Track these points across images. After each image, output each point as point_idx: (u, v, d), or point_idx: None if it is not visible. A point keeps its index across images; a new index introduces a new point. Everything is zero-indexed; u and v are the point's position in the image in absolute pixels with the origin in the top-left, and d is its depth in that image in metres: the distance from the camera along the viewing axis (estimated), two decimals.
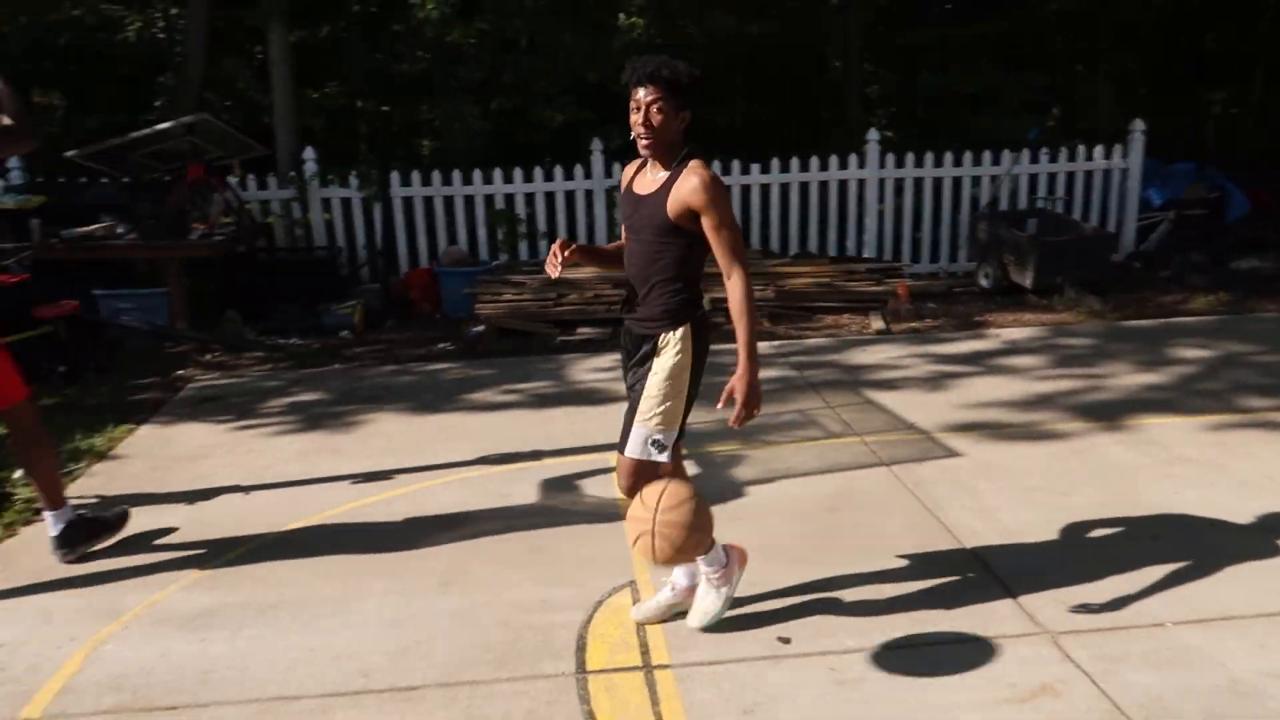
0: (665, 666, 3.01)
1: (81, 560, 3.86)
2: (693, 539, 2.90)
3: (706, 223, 2.88)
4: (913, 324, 7.35)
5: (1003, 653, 3.00)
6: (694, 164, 2.91)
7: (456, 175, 8.57)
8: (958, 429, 5.04)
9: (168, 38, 14.04)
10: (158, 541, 4.04)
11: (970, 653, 3.01)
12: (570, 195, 8.70)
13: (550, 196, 8.69)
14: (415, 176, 8.56)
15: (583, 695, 2.89)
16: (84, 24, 11.95)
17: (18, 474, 4.70)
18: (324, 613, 3.41)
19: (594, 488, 4.40)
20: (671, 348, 2.98)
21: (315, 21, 12.08)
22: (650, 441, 2.99)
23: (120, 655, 3.18)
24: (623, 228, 3.16)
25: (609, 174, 8.66)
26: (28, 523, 4.24)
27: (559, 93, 10.89)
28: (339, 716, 2.83)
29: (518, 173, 8.59)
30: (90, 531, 3.93)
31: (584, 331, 7.31)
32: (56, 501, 3.86)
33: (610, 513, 4.12)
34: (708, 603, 3.20)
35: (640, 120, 2.87)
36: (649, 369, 3.01)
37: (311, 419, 5.53)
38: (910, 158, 8.77)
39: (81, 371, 6.51)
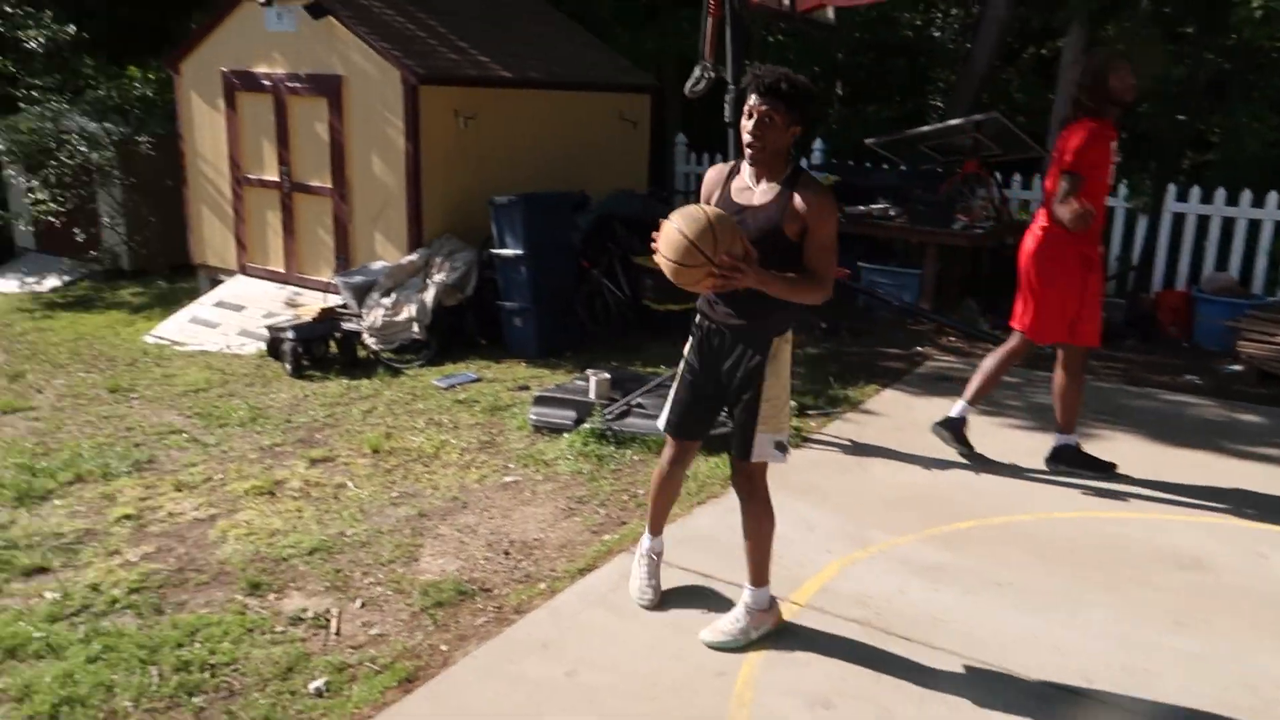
0: None
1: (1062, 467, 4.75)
2: None
3: (814, 238, 2.92)
4: None
5: None
6: (808, 178, 2.96)
7: (1245, 196, 7.68)
8: None
9: (944, 34, 14.94)
10: (897, 492, 4.51)
11: None
12: None
13: None
14: (1194, 192, 7.89)
15: None
16: (896, 23, 13.23)
17: (790, 404, 5.61)
18: (1048, 604, 3.49)
19: None
20: (781, 354, 3.08)
21: (1106, 21, 11.75)
22: (774, 444, 3.11)
23: (866, 578, 3.67)
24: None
25: None
26: (797, 446, 5.05)
27: None
28: (1059, 709, 2.90)
29: None
30: (1078, 460, 4.76)
31: None
32: (1067, 427, 4.76)
33: None
34: (731, 626, 3.22)
35: (752, 128, 2.90)
36: (761, 375, 3.05)
37: (1043, 420, 5.56)
38: None
39: (838, 330, 7.46)
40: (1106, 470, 4.76)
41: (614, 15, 12.08)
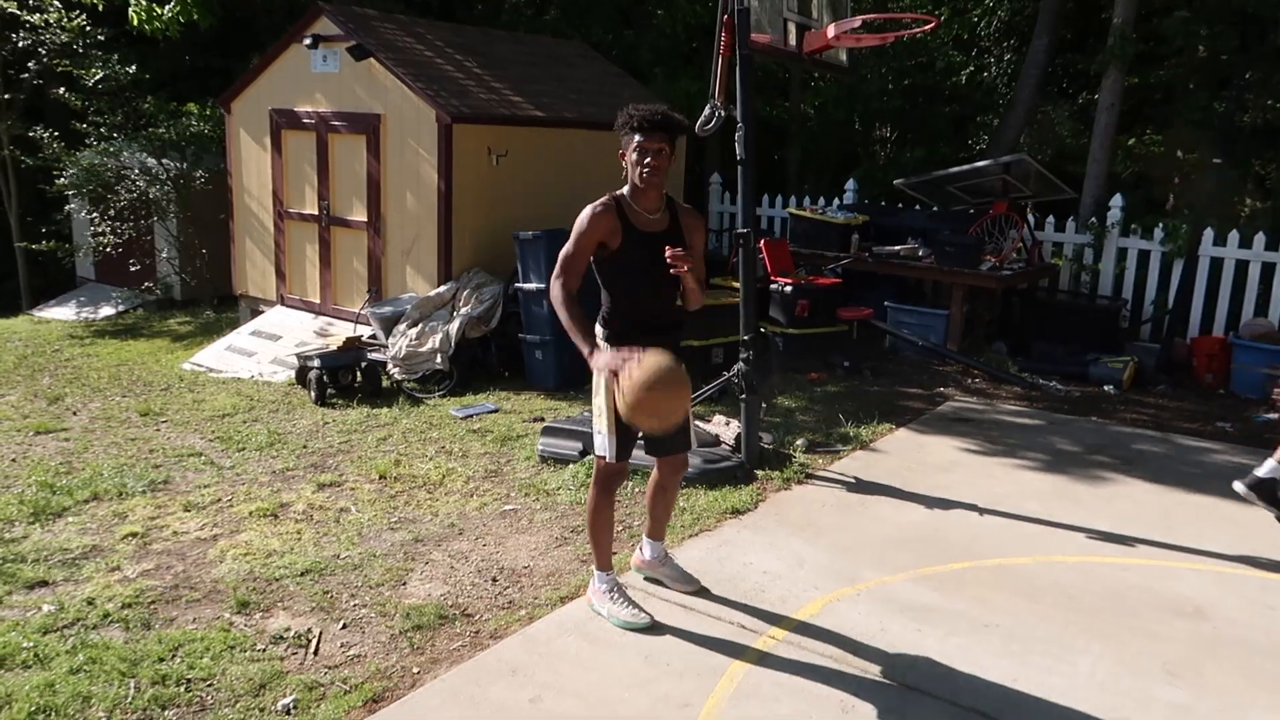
0: None
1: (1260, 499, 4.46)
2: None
3: (696, 248, 3.44)
4: None
5: None
6: (674, 200, 3.47)
7: None
8: None
9: (995, 81, 14.86)
10: (895, 531, 4.44)
11: None
12: None
13: None
14: (1233, 237, 7.71)
15: None
16: (930, 68, 13.26)
17: (799, 441, 5.59)
18: (1034, 650, 3.40)
19: None
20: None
21: (1151, 66, 11.62)
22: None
23: (849, 615, 3.62)
24: (613, 268, 3.35)
25: None
26: (800, 483, 5.02)
27: None
28: None
29: None
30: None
31: None
32: None
33: None
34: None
35: (651, 161, 3.25)
36: None
37: (1057, 463, 5.46)
38: None
39: (860, 369, 7.40)
40: None
41: (654, 60, 12.31)
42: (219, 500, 4.76)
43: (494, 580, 3.93)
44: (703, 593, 3.75)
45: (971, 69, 14.86)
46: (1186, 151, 13.16)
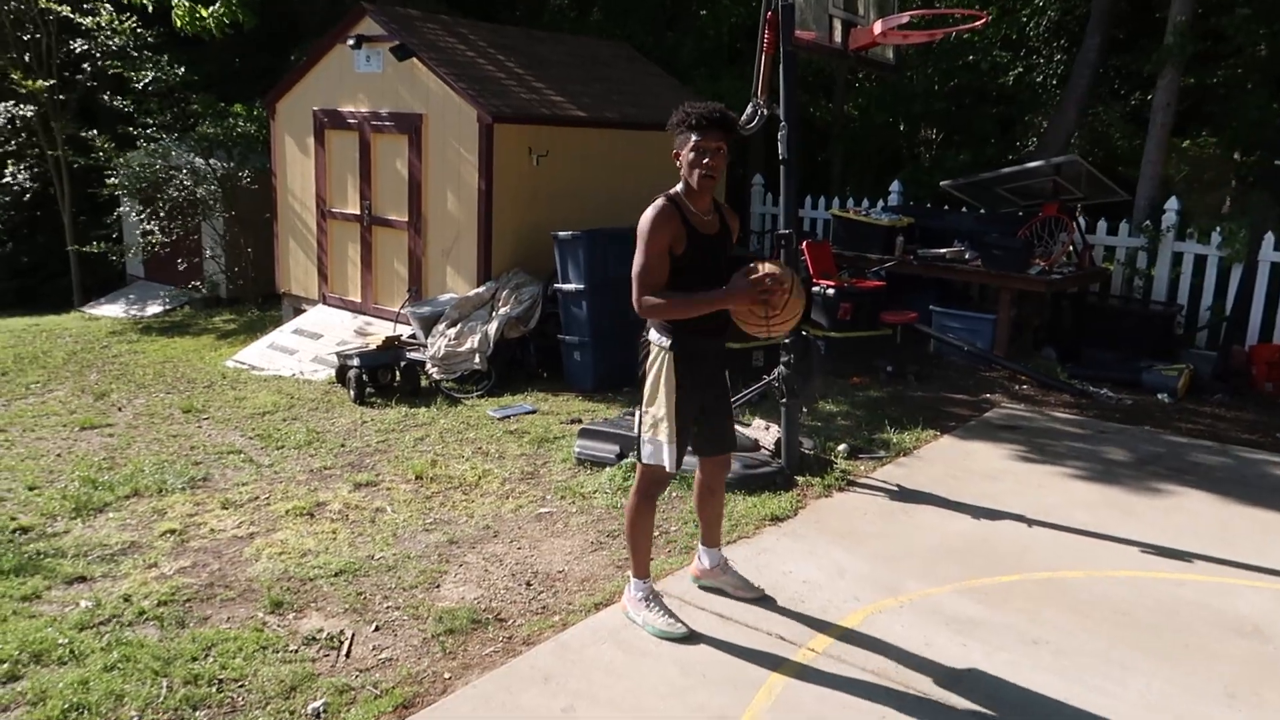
0: None
1: None
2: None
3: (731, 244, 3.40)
4: None
5: None
6: (718, 200, 3.36)
7: None
8: None
9: (1045, 82, 14.56)
10: (939, 541, 4.32)
11: None
12: None
13: None
14: None
15: None
16: (976, 69, 13.03)
17: (840, 447, 5.47)
18: (1084, 667, 3.27)
19: None
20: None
21: (1207, 66, 11.29)
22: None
23: (891, 628, 3.51)
24: (668, 271, 3.19)
25: None
26: (841, 490, 4.91)
27: None
28: None
29: None
30: None
31: None
32: None
33: None
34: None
35: (711, 162, 3.15)
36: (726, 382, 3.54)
37: (1108, 473, 5.29)
38: None
39: (904, 373, 7.25)
40: None
41: (697, 61, 12.23)
42: (256, 498, 4.77)
43: (528, 584, 3.88)
44: (760, 601, 3.66)
45: (1020, 69, 14.58)
46: (1245, 153, 12.80)
